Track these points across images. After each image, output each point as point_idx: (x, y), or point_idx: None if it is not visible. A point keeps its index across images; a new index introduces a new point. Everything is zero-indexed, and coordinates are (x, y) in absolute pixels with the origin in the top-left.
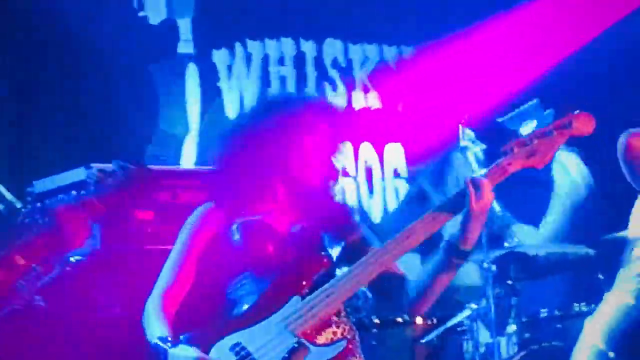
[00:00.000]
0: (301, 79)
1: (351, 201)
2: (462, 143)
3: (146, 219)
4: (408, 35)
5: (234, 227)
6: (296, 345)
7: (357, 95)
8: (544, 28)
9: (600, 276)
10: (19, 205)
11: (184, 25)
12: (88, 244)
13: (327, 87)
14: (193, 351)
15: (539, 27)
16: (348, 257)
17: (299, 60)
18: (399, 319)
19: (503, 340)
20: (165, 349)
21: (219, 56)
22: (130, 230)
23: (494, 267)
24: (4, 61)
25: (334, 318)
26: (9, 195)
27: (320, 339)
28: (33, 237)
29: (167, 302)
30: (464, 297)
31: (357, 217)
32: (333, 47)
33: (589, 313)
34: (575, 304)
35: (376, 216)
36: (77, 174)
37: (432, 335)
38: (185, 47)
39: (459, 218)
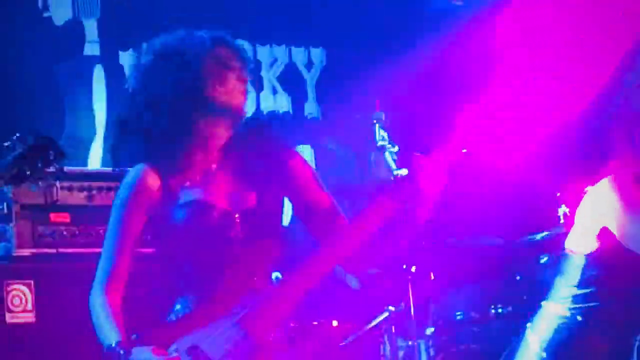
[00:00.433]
0: None
1: None
2: (380, 143)
3: (61, 221)
4: (317, 37)
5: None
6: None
7: (265, 96)
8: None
9: (518, 277)
10: None
11: (90, 26)
12: (2, 248)
13: None
14: (149, 352)
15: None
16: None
17: None
18: (315, 323)
19: (422, 343)
20: (119, 355)
21: (126, 58)
22: (45, 233)
23: (413, 268)
24: None
25: None
26: None
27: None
28: None
29: (111, 295)
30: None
31: None
32: None
33: (506, 315)
34: (492, 307)
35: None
36: None
37: (350, 339)
38: (92, 48)
39: None
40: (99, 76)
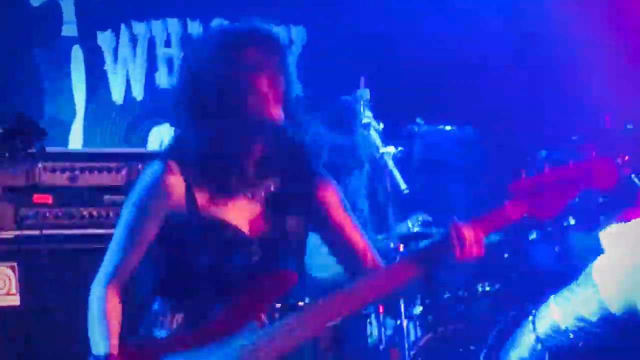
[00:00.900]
0: None
1: None
2: (365, 120)
3: (44, 202)
4: (298, 15)
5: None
6: None
7: None
8: None
9: (506, 255)
10: None
11: (67, 7)
12: None
13: None
14: None
15: None
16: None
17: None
18: (301, 303)
19: (409, 323)
20: None
21: (104, 38)
22: (28, 215)
23: (401, 247)
24: None
25: None
26: None
27: None
28: None
29: (114, 293)
30: None
31: None
32: None
33: (493, 294)
34: (480, 284)
35: None
36: None
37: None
38: (69, 29)
39: None
40: (77, 57)
